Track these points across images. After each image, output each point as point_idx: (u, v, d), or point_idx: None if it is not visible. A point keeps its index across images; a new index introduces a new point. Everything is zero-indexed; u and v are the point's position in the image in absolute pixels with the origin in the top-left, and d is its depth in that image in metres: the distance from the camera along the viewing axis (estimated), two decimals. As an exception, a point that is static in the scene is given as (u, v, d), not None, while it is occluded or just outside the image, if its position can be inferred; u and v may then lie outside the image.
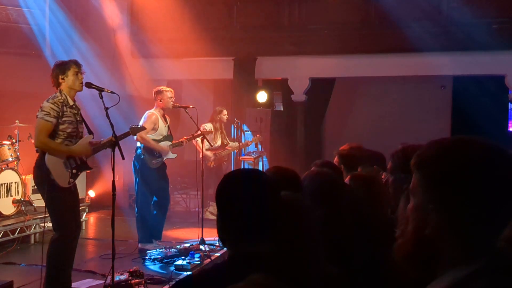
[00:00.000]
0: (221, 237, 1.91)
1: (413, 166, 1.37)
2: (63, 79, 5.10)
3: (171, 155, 7.32)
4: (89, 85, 5.18)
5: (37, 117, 4.97)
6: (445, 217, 1.27)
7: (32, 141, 7.23)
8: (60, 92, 5.08)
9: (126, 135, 5.58)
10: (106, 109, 5.04)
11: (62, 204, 5.05)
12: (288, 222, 2.04)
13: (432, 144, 1.36)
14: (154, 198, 7.16)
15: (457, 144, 1.32)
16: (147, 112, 7.20)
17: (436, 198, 1.28)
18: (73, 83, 5.13)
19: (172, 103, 7.19)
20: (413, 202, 1.36)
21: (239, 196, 1.85)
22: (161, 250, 6.59)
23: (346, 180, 3.81)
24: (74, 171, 5.13)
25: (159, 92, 7.20)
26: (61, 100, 5.02)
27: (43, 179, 4.98)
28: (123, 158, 4.98)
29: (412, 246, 1.33)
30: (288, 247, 1.96)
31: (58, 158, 5.02)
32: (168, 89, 7.25)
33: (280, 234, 1.86)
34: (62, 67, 5.14)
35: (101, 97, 5.07)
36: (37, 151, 5.09)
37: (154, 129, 7.10)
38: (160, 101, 7.16)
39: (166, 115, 7.31)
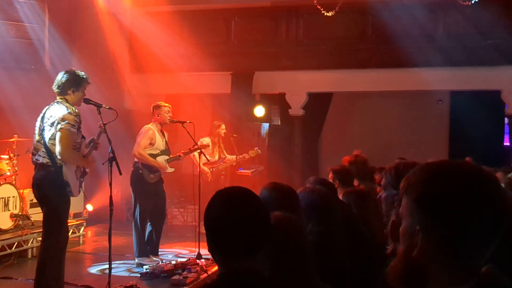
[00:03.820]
0: (212, 256, 1.94)
1: (401, 189, 1.41)
2: (73, 92, 5.17)
3: (169, 169, 7.36)
4: (87, 101, 5.25)
5: (60, 128, 4.97)
6: (429, 241, 1.31)
7: (31, 155, 7.28)
8: (67, 101, 5.12)
9: None
10: (104, 124, 5.10)
11: (68, 212, 5.36)
12: (281, 241, 2.08)
13: (418, 168, 1.39)
14: (151, 214, 7.19)
15: (440, 170, 1.35)
16: (144, 127, 7.25)
17: (421, 222, 1.32)
18: (79, 100, 5.24)
19: (169, 118, 7.24)
20: (403, 224, 1.40)
21: (225, 217, 1.87)
22: (158, 264, 6.59)
23: (340, 196, 3.86)
24: (81, 179, 5.25)
25: (157, 107, 7.26)
26: (79, 113, 5.10)
27: (58, 190, 5.05)
28: (120, 173, 5.04)
29: (402, 268, 1.37)
30: (280, 265, 1.99)
31: (71, 170, 5.08)
32: (166, 104, 7.31)
33: (272, 252, 1.89)
34: (79, 81, 5.20)
35: (99, 113, 5.14)
36: (47, 165, 5.05)
37: (151, 144, 7.14)
38: (158, 116, 7.22)
39: (164, 130, 7.36)
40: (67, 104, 5.11)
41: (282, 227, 2.08)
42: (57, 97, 5.21)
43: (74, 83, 5.18)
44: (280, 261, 2.02)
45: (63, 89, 5.17)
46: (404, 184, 1.40)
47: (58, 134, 4.99)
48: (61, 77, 5.18)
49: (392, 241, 2.19)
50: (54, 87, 5.21)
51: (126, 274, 6.70)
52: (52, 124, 5.03)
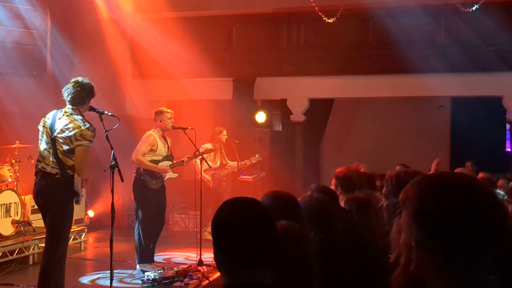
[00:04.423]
0: (217, 266, 1.94)
1: (400, 202, 1.40)
2: (87, 102, 5.19)
3: (172, 175, 7.35)
4: (91, 108, 5.27)
5: (79, 145, 4.98)
6: (425, 256, 1.30)
7: (32, 161, 7.35)
8: (80, 112, 5.13)
9: None
10: (106, 131, 5.11)
11: (72, 220, 5.37)
12: (284, 250, 2.08)
13: (415, 182, 1.39)
14: (151, 220, 7.17)
15: (436, 184, 1.35)
16: (145, 133, 7.24)
17: (417, 237, 1.32)
18: (87, 109, 5.24)
19: (171, 124, 7.23)
20: (402, 237, 1.39)
21: (233, 227, 1.88)
22: (159, 271, 6.58)
23: (342, 203, 3.85)
24: (84, 188, 5.31)
25: (159, 113, 7.24)
26: (95, 128, 5.12)
27: (66, 199, 5.08)
28: (122, 180, 5.05)
29: (403, 280, 1.37)
30: (283, 275, 1.98)
31: (78, 179, 5.11)
32: (168, 110, 7.29)
33: (278, 263, 1.89)
34: (92, 92, 5.22)
35: (101, 120, 5.15)
36: (57, 175, 5.05)
37: (153, 150, 7.13)
38: (160, 121, 7.20)
39: (166, 135, 7.35)
40: (82, 117, 5.11)
41: (286, 236, 2.08)
42: (69, 107, 5.16)
43: (91, 94, 5.20)
44: (283, 270, 2.02)
45: (82, 100, 5.16)
46: (403, 197, 1.39)
47: (77, 151, 5.00)
48: (77, 87, 5.13)
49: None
50: (70, 97, 5.14)
51: (128, 281, 6.69)
52: (68, 138, 5.01)
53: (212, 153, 9.34)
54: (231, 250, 1.88)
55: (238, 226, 1.88)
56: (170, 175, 7.31)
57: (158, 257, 7.56)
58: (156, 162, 7.14)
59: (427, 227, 1.30)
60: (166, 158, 7.25)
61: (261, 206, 1.98)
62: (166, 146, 7.30)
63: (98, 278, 6.84)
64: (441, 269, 1.29)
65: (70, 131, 5.00)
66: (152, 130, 7.25)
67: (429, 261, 1.30)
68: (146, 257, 7.03)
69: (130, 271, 7.02)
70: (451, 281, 1.29)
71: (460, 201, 1.29)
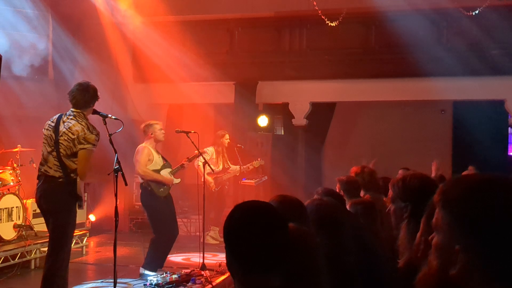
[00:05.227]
0: (230, 271, 1.91)
1: (437, 203, 1.35)
2: (92, 105, 5.18)
3: (175, 180, 7.31)
4: (95, 112, 5.25)
5: (83, 149, 4.97)
6: (473, 259, 1.25)
7: (34, 165, 7.33)
8: (85, 116, 5.12)
9: None
10: (110, 135, 5.08)
11: (75, 225, 5.29)
12: (295, 255, 2.06)
13: (458, 182, 1.34)
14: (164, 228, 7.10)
15: (485, 185, 1.30)
16: (139, 146, 7.18)
17: (464, 239, 1.26)
18: (91, 111, 5.23)
19: (163, 134, 7.19)
20: (437, 238, 1.34)
21: (246, 231, 1.85)
22: (162, 276, 6.53)
23: (348, 206, 3.83)
24: (86, 192, 5.28)
25: (149, 126, 7.18)
26: (99, 132, 5.10)
27: (69, 203, 5.06)
28: (126, 184, 5.02)
29: (437, 283, 1.32)
30: (295, 280, 1.96)
31: (81, 183, 5.10)
32: (157, 122, 7.29)
33: (288, 268, 1.86)
34: (96, 95, 5.23)
35: (105, 123, 5.12)
36: (60, 178, 5.02)
37: (150, 160, 7.08)
38: (152, 134, 7.15)
39: (156, 148, 7.31)
40: (86, 120, 5.10)
41: (295, 239, 2.06)
42: (73, 110, 5.14)
43: (95, 97, 5.20)
44: (292, 274, 2.00)
45: (87, 103, 5.15)
46: (441, 198, 1.34)
47: (79, 154, 4.98)
48: (82, 91, 5.13)
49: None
50: (75, 101, 5.12)
51: (130, 285, 6.65)
52: (71, 140, 4.99)
53: (214, 157, 9.32)
54: (243, 255, 1.84)
55: (251, 231, 1.84)
56: (174, 181, 7.28)
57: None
58: (156, 171, 7.09)
59: (475, 230, 1.25)
60: (164, 166, 7.20)
61: (274, 210, 1.95)
62: (160, 156, 7.25)
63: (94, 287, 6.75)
64: (490, 273, 1.24)
65: (74, 135, 4.99)
66: (144, 143, 7.19)
67: (476, 265, 1.25)
68: (155, 266, 6.92)
69: (130, 280, 6.93)
70: (500, 285, 1.24)
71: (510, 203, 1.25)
